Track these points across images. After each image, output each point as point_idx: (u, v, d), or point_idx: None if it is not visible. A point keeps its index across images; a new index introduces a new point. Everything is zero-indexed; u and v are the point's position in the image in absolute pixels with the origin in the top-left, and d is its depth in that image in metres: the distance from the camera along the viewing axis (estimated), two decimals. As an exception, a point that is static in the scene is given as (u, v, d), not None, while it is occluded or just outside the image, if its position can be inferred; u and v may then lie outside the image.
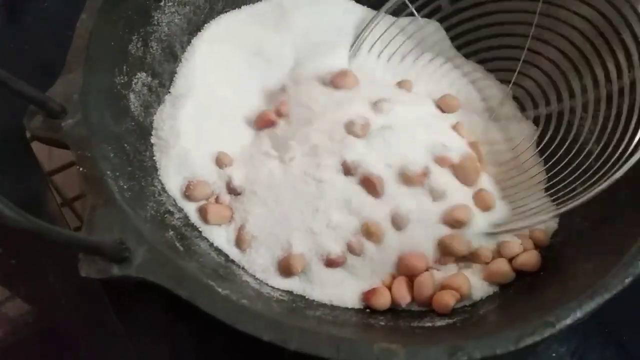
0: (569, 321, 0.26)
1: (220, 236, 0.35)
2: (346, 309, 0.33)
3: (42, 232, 0.23)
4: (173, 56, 0.40)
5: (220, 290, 0.27)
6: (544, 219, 0.34)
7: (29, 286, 0.38)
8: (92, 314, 0.37)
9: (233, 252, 0.35)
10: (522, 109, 0.42)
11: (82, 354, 0.36)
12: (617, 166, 0.32)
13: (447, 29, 0.44)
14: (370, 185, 0.34)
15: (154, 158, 0.36)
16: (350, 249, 0.34)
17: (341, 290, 0.34)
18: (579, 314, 0.26)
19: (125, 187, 0.30)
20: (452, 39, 0.45)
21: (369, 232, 0.33)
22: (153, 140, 0.37)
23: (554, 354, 0.36)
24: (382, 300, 0.33)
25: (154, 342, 0.36)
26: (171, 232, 0.32)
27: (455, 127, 0.39)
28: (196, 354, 0.36)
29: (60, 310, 0.37)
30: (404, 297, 0.33)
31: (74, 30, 0.34)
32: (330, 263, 0.34)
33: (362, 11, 0.45)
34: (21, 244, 0.39)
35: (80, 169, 0.29)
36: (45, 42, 0.49)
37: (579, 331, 0.37)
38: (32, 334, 0.37)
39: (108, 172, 0.29)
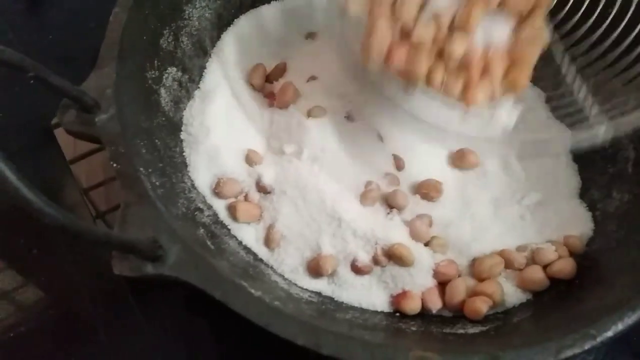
0: (610, 333, 0.25)
1: (249, 234, 0.34)
2: (375, 312, 0.33)
3: (79, 230, 0.22)
4: (203, 51, 0.40)
5: (253, 291, 0.27)
6: None
7: (49, 276, 0.38)
8: (112, 304, 0.37)
9: (262, 251, 0.34)
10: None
11: (101, 344, 0.36)
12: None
13: None
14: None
15: (184, 154, 0.36)
16: (376, 262, 0.33)
17: (370, 293, 0.33)
18: (620, 327, 0.26)
19: (157, 183, 0.30)
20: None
21: (395, 256, 0.33)
22: (183, 136, 0.36)
23: (581, 364, 0.36)
24: (413, 305, 0.32)
25: (172, 335, 0.36)
26: (202, 230, 0.31)
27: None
28: (213, 349, 0.36)
29: (79, 300, 0.37)
30: (435, 303, 0.32)
31: (97, 22, 0.33)
32: (357, 270, 0.33)
33: None
34: (42, 234, 0.39)
35: (114, 165, 0.28)
36: (67, 33, 0.48)
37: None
38: (51, 322, 0.37)
39: (141, 169, 0.29)
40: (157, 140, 0.33)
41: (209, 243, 0.31)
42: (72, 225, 0.22)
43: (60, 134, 0.43)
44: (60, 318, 0.37)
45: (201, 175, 0.35)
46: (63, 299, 0.38)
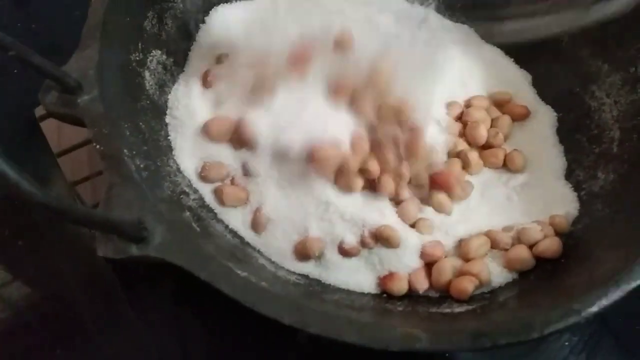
0: (595, 309, 0.26)
1: (235, 218, 0.34)
2: (362, 293, 0.33)
3: (61, 208, 0.22)
4: (188, 34, 0.39)
5: (239, 272, 0.27)
6: None
7: (36, 268, 0.38)
8: (101, 296, 0.37)
9: (249, 235, 0.34)
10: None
11: (90, 337, 0.35)
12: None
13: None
14: None
15: (169, 138, 0.35)
16: (363, 244, 0.33)
17: (357, 274, 0.33)
18: (605, 302, 0.26)
19: (142, 166, 0.30)
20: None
21: (382, 237, 0.33)
22: (168, 119, 0.36)
23: (566, 343, 0.36)
24: (400, 286, 0.32)
25: (162, 327, 0.36)
26: (188, 213, 0.31)
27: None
28: (204, 340, 0.36)
29: (68, 293, 0.37)
30: (421, 283, 0.32)
31: (82, 11, 0.33)
32: (344, 252, 0.33)
33: None
34: (28, 225, 0.39)
35: (97, 146, 0.28)
36: (53, 22, 0.48)
37: (593, 321, 0.36)
38: (38, 316, 0.36)
39: (125, 151, 0.29)
40: (141, 123, 0.33)
41: (194, 226, 0.31)
42: (52, 203, 0.21)
43: (45, 126, 0.42)
44: (48, 311, 0.37)
45: (187, 159, 0.35)
46: (51, 291, 0.37)
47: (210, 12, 0.40)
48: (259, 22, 0.39)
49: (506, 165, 0.38)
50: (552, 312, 0.26)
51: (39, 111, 0.42)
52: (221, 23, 0.40)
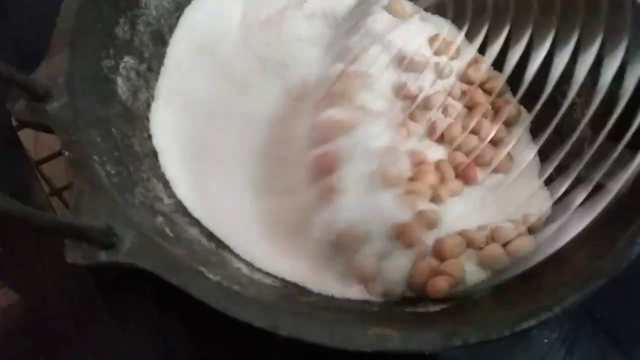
0: (566, 305, 0.26)
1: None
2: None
3: (26, 215, 0.22)
4: (162, 40, 0.39)
5: (211, 276, 0.27)
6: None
7: (16, 275, 0.38)
8: (82, 304, 0.37)
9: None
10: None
11: (71, 346, 0.35)
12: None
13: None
14: None
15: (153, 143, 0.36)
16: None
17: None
18: (576, 297, 0.26)
19: (112, 172, 0.30)
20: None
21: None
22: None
23: (545, 340, 0.36)
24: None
25: (144, 333, 0.36)
26: (161, 218, 0.31)
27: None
28: (186, 345, 0.36)
29: (49, 301, 0.36)
30: (398, 284, 0.33)
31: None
32: None
33: None
34: (7, 232, 0.38)
35: (66, 153, 0.28)
36: (27, 30, 0.48)
37: (570, 318, 0.37)
38: (24, 325, 0.36)
39: (95, 157, 0.29)
40: (113, 129, 0.33)
41: (167, 231, 0.30)
42: (17, 212, 0.21)
43: (23, 135, 0.41)
44: (28, 319, 0.36)
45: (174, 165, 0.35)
46: (30, 298, 0.37)
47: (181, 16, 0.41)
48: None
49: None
50: (524, 309, 0.26)
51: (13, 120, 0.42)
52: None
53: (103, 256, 0.26)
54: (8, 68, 0.28)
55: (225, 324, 0.25)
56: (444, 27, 0.43)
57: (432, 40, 0.42)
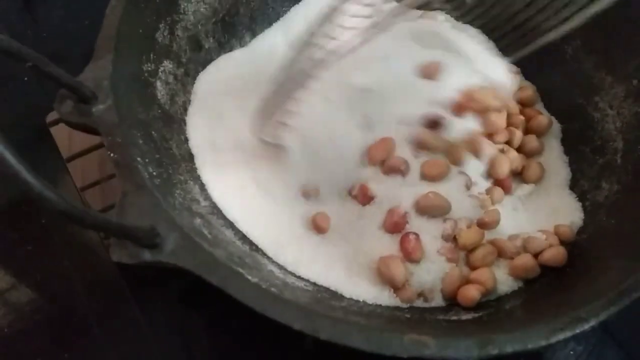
0: (601, 317, 0.26)
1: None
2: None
3: (79, 215, 0.23)
4: (198, 45, 0.40)
5: (250, 278, 0.27)
6: None
7: (44, 272, 0.38)
8: (108, 299, 0.37)
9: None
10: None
11: (95, 339, 0.36)
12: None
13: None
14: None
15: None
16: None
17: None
18: (611, 310, 0.26)
19: (154, 173, 0.30)
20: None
21: None
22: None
23: (571, 352, 0.36)
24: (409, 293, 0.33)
25: (168, 329, 0.36)
26: (199, 220, 0.32)
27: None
28: (208, 342, 0.36)
29: (74, 297, 0.37)
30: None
31: (90, 20, 0.34)
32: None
33: None
34: (37, 229, 0.39)
35: (112, 154, 0.29)
36: (61, 31, 0.49)
37: (597, 330, 0.36)
38: (45, 320, 0.37)
39: (138, 159, 0.29)
40: (153, 132, 0.33)
41: (205, 232, 0.31)
42: (72, 211, 0.22)
43: (56, 131, 0.43)
44: (55, 313, 0.37)
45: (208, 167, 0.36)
46: (58, 294, 0.38)
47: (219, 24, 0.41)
48: None
49: (519, 175, 0.38)
50: (559, 320, 0.26)
51: (50, 117, 0.43)
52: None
53: (147, 256, 0.26)
54: (59, 70, 0.29)
55: (247, 321, 0.25)
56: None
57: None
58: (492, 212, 0.34)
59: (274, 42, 0.44)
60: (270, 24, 0.45)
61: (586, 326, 0.26)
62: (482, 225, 0.34)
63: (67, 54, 0.43)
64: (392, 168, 0.35)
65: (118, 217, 0.27)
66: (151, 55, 0.36)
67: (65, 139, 0.43)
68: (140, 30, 0.35)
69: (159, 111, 0.35)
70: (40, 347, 0.36)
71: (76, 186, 0.41)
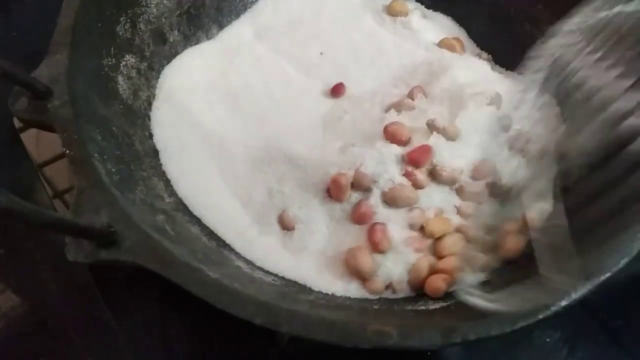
0: (563, 303, 0.26)
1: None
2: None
3: (27, 213, 0.22)
4: (163, 39, 0.39)
5: (211, 274, 0.27)
6: None
7: (19, 277, 0.38)
8: (83, 305, 0.37)
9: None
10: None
11: (75, 346, 0.35)
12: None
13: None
14: None
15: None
16: None
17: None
18: (574, 296, 0.26)
19: (113, 170, 0.30)
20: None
21: None
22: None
23: (548, 339, 0.36)
24: (377, 286, 0.32)
25: (145, 333, 0.36)
26: (161, 216, 0.31)
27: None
28: (188, 344, 0.36)
29: (51, 302, 0.37)
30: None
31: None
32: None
33: None
34: (10, 233, 0.38)
35: (67, 151, 0.28)
36: (31, 30, 0.48)
37: (573, 318, 0.37)
38: (26, 327, 0.36)
39: (95, 155, 0.29)
40: (114, 128, 0.33)
41: (168, 229, 0.31)
42: (19, 209, 0.21)
43: (25, 137, 0.42)
44: (31, 319, 0.37)
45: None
46: (33, 299, 0.37)
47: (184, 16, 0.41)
48: None
49: None
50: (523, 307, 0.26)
51: (18, 122, 0.42)
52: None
53: (104, 254, 0.26)
54: (11, 66, 0.28)
55: (227, 323, 0.25)
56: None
57: None
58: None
59: (242, 34, 0.44)
60: (238, 16, 0.45)
61: (549, 312, 0.26)
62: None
63: (39, 54, 0.43)
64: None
65: (74, 215, 0.27)
66: (112, 49, 0.35)
67: (34, 145, 0.42)
68: (99, 24, 0.34)
69: (121, 106, 0.35)
70: (15, 353, 0.35)
71: (48, 193, 0.40)
